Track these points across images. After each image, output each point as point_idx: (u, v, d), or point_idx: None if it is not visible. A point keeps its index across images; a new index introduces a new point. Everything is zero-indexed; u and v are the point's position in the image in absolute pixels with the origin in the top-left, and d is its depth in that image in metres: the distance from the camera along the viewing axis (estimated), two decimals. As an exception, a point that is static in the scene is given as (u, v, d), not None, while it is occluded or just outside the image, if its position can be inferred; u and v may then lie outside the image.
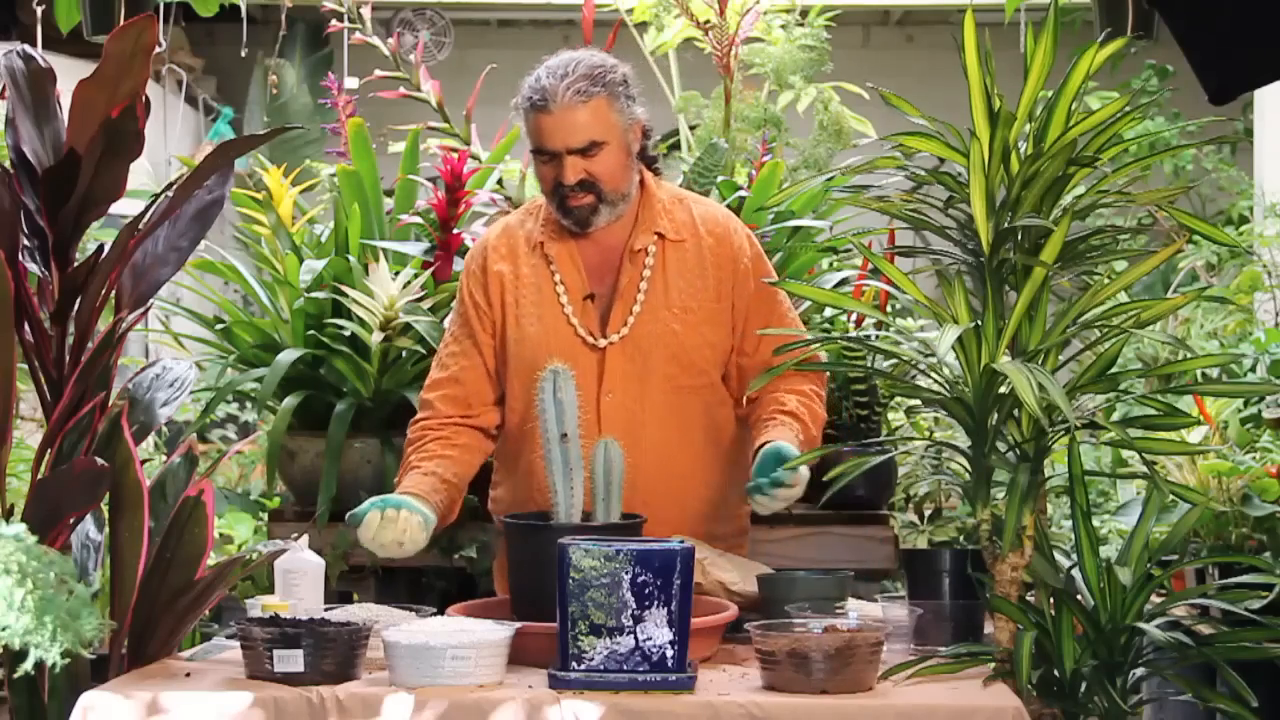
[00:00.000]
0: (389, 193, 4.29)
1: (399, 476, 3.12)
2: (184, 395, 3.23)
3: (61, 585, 2.27)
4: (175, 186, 3.03)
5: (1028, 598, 2.72)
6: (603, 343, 3.07)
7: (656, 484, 3.04)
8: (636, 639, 2.47)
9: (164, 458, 4.55)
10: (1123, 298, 3.23)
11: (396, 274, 3.90)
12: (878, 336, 2.94)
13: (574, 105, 3.00)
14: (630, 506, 2.93)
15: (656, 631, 2.47)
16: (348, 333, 3.94)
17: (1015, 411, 2.71)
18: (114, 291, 3.08)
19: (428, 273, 3.95)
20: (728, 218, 3.22)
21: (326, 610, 2.80)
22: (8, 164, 3.01)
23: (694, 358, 3.11)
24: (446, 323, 3.37)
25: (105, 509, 3.04)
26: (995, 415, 2.72)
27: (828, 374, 3.11)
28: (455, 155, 4.00)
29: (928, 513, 3.82)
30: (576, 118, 3.00)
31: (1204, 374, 2.92)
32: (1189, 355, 2.80)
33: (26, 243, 2.99)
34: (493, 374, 3.18)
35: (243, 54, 6.59)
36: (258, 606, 2.81)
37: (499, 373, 3.18)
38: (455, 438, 3.14)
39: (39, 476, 2.96)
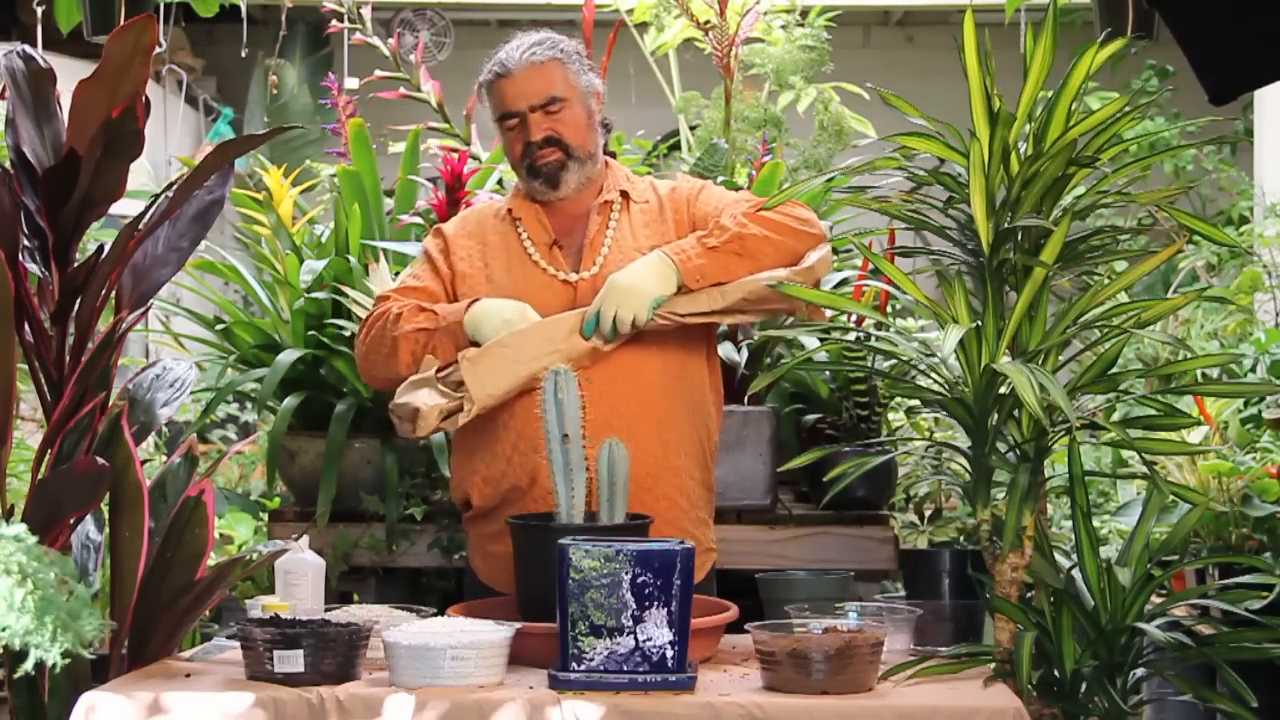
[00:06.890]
0: (389, 193, 4.29)
1: (411, 328, 3.08)
2: (184, 395, 3.23)
3: (62, 586, 2.27)
4: (175, 187, 3.03)
5: (1028, 598, 2.72)
6: (574, 278, 3.13)
7: (633, 406, 3.06)
8: (636, 639, 2.47)
9: (164, 458, 4.55)
10: (1123, 298, 3.23)
11: (396, 274, 3.90)
12: (878, 337, 2.94)
13: (531, 65, 3.15)
14: (606, 423, 2.94)
15: (656, 632, 2.47)
16: (348, 333, 3.94)
17: (1015, 412, 2.71)
18: (114, 292, 3.08)
19: (428, 273, 3.95)
20: (677, 179, 3.34)
21: (327, 611, 2.80)
22: (8, 164, 3.00)
23: None
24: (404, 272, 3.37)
25: (105, 509, 3.04)
26: (995, 415, 2.72)
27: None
28: (455, 155, 4.00)
29: (928, 513, 3.81)
30: (535, 75, 3.15)
31: (1204, 374, 2.92)
32: (1189, 355, 2.80)
33: (26, 243, 2.99)
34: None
35: (243, 54, 6.60)
36: (258, 607, 2.81)
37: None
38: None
39: (39, 477, 2.96)
